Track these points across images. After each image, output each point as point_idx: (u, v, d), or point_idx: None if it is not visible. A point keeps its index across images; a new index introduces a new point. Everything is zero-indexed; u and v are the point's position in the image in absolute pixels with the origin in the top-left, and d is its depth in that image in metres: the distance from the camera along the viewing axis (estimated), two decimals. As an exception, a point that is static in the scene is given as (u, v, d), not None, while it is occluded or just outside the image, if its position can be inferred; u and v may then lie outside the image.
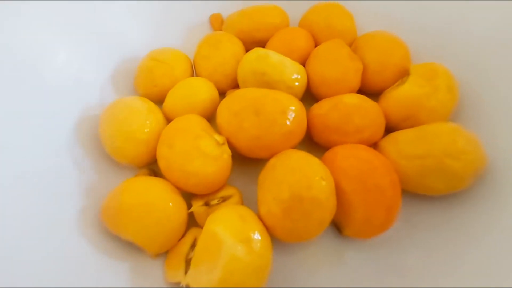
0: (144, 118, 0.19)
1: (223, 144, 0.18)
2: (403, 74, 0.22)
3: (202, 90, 0.22)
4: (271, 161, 0.17)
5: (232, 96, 0.19)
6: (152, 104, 0.21)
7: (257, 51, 0.22)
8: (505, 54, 0.20)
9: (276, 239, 0.16)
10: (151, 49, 0.25)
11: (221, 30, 0.29)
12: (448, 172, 0.17)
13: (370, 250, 0.18)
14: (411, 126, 0.19)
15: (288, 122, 0.17)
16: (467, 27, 0.22)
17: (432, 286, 0.16)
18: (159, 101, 0.22)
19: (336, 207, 0.16)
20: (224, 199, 0.17)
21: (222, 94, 0.24)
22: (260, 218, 0.16)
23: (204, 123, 0.19)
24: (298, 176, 0.15)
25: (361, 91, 0.22)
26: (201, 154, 0.16)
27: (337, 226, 0.18)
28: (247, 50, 0.24)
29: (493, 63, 0.20)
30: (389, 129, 0.20)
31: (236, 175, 0.20)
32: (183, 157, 0.16)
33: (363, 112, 0.19)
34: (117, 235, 0.16)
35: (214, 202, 0.17)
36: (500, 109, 0.19)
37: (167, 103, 0.22)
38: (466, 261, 0.16)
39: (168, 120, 0.21)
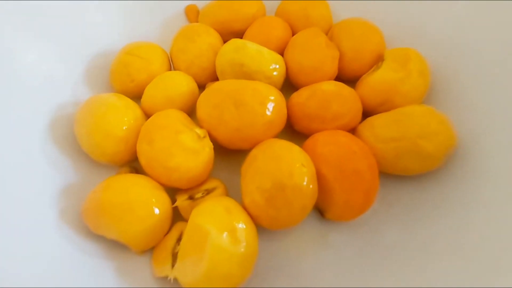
0: (122, 115, 0.19)
1: (204, 137, 0.17)
2: (378, 60, 0.22)
3: (181, 84, 0.22)
4: (253, 152, 0.17)
5: (211, 89, 0.19)
6: (129, 100, 0.20)
7: (234, 42, 0.21)
8: (475, 39, 0.21)
9: (261, 228, 0.16)
10: (126, 43, 0.24)
11: (197, 21, 0.28)
12: (422, 153, 0.17)
13: (352, 231, 0.19)
14: (387, 110, 0.20)
15: (268, 113, 0.18)
16: (439, 13, 0.23)
17: (411, 261, 0.17)
18: (136, 96, 0.22)
19: (318, 192, 0.17)
20: (208, 192, 0.17)
21: (202, 87, 0.23)
22: (245, 208, 0.16)
23: (184, 117, 0.18)
24: (279, 165, 0.15)
25: (338, 78, 0.23)
26: (182, 149, 0.16)
27: (319, 210, 0.19)
28: (224, 42, 0.24)
29: (463, 48, 0.21)
30: (366, 114, 0.21)
31: (220, 167, 0.20)
32: (164, 153, 0.16)
33: (341, 99, 0.19)
34: (101, 235, 0.16)
35: (199, 195, 0.17)
36: (469, 90, 0.20)
37: (145, 98, 0.21)
38: (442, 236, 0.17)
39: (147, 116, 0.20)
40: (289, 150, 0.16)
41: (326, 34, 0.24)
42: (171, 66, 0.25)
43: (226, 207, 0.15)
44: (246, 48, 0.21)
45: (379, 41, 0.23)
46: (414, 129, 0.18)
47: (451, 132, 0.18)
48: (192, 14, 0.29)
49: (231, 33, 0.26)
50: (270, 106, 0.18)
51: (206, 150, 0.17)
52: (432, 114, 0.18)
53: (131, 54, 0.23)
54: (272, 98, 0.18)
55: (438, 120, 0.18)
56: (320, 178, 0.16)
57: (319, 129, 0.19)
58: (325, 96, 0.19)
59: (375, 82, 0.20)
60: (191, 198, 0.17)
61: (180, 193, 0.18)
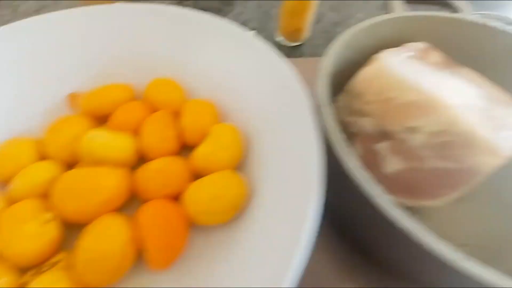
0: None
1: (50, 220, 0.22)
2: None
3: (48, 172, 0.27)
4: (87, 227, 0.22)
5: (63, 176, 0.24)
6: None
7: (88, 133, 0.27)
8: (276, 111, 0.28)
9: None
10: (4, 139, 0.29)
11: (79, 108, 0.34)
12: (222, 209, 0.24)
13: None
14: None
15: (101, 196, 0.23)
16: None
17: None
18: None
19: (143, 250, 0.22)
20: (53, 265, 0.22)
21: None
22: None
23: (36, 205, 0.23)
24: (99, 236, 0.21)
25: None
26: (23, 236, 0.21)
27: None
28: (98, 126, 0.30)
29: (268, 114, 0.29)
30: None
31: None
32: (6, 241, 0.21)
33: (167, 172, 0.26)
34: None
35: (45, 268, 0.22)
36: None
37: (13, 188, 0.26)
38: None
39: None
40: (109, 224, 0.22)
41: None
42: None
43: (58, 278, 0.20)
44: (96, 137, 0.27)
45: (212, 117, 0.30)
46: (221, 189, 0.24)
47: (244, 191, 0.25)
48: (75, 102, 0.35)
49: (102, 118, 0.32)
50: (104, 188, 0.24)
51: (52, 231, 0.22)
52: (232, 177, 0.25)
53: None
54: (105, 181, 0.24)
55: (236, 181, 0.25)
56: (140, 240, 0.22)
57: (151, 198, 0.25)
58: (153, 171, 0.26)
59: (197, 154, 0.27)
60: (38, 272, 0.22)
61: (31, 269, 0.22)
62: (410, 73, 0.24)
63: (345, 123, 0.28)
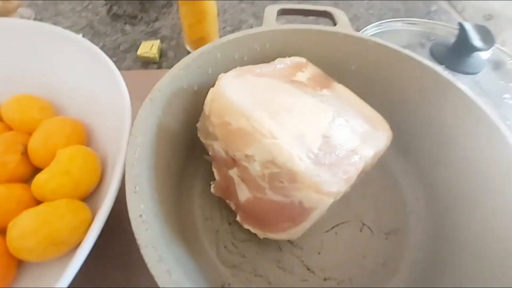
0: None
1: None
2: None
3: None
4: None
5: None
6: None
7: None
8: None
9: None
10: None
11: None
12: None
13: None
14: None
15: None
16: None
17: None
18: None
19: None
20: None
21: None
22: None
23: None
24: None
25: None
26: None
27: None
28: None
29: None
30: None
31: None
32: None
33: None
34: None
35: None
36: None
37: None
38: None
39: None
40: None
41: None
42: None
43: None
44: None
45: (63, 140, 0.27)
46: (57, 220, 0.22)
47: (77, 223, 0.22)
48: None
49: None
50: None
51: None
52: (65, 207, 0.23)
53: None
54: None
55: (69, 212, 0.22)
56: None
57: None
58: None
59: (35, 181, 0.24)
60: None
61: None
62: (247, 98, 0.22)
63: (205, 146, 0.26)
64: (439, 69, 0.27)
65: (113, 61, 0.28)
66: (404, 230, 0.27)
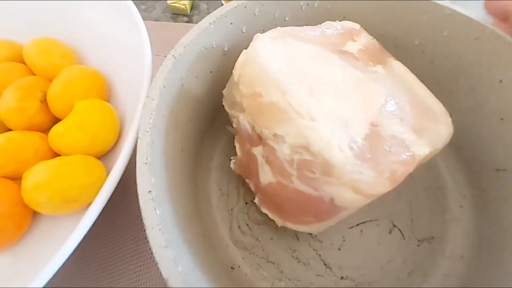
0: None
1: None
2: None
3: None
4: None
5: None
6: None
7: None
8: None
9: None
10: None
11: None
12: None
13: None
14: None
15: None
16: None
17: None
18: None
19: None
20: None
21: None
22: None
23: None
24: None
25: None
26: None
27: None
28: None
29: None
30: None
31: None
32: None
33: (8, 150, 0.22)
34: None
35: None
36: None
37: None
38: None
39: None
40: None
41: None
42: None
43: None
44: None
45: (81, 91, 0.26)
46: (70, 177, 0.21)
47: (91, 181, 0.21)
48: None
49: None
50: None
51: None
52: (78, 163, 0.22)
53: None
54: None
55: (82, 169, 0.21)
56: None
57: None
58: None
59: (50, 133, 0.23)
60: None
61: None
62: (286, 66, 0.18)
63: (230, 116, 0.24)
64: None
65: (141, 10, 0.25)
66: (440, 239, 0.24)
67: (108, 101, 0.28)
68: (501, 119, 0.23)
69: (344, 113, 0.17)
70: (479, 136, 0.24)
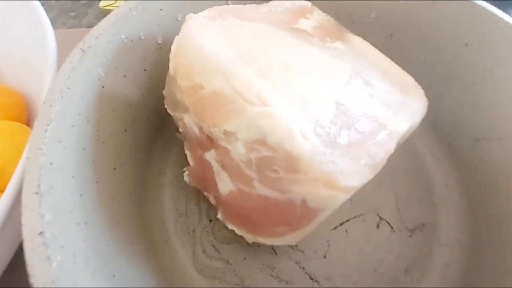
0: None
1: None
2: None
3: None
4: None
5: None
6: None
7: None
8: None
9: None
10: None
11: None
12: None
13: None
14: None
15: None
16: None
17: None
18: None
19: None
20: None
21: None
22: None
23: None
24: None
25: None
26: None
27: None
28: None
29: None
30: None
31: None
32: None
33: None
34: None
35: None
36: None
37: None
38: None
39: None
40: None
41: None
42: None
43: None
44: None
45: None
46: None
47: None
48: None
49: None
50: None
51: None
52: None
53: None
54: None
55: None
56: None
57: None
58: None
59: None
60: None
61: None
62: (227, 48, 0.14)
63: (175, 119, 0.20)
64: (502, 13, 0.20)
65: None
66: (432, 226, 0.22)
67: (27, 123, 0.23)
68: (473, 84, 0.21)
69: (303, 94, 0.14)
70: (453, 106, 0.23)
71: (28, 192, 0.10)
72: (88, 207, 0.13)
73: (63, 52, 0.19)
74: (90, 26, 0.35)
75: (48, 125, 0.12)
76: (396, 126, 0.15)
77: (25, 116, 0.23)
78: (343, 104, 0.15)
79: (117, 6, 0.35)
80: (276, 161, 0.13)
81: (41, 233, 0.09)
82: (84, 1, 0.38)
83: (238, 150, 0.14)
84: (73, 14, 0.35)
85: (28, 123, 0.24)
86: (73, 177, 0.12)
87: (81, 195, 0.13)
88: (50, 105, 0.12)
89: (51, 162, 0.11)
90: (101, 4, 0.35)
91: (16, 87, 0.24)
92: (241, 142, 0.14)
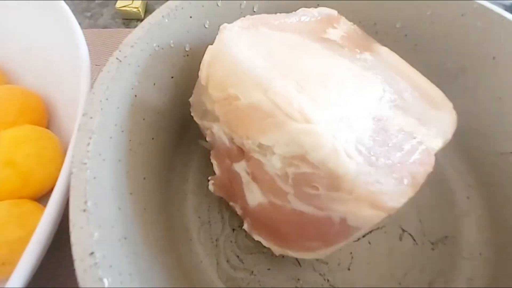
0: None
1: None
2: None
3: None
4: None
5: None
6: None
7: None
8: None
9: None
10: None
11: None
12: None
13: None
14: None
15: None
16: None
17: None
18: None
19: None
20: None
21: None
22: None
23: None
24: None
25: None
26: None
27: None
28: None
29: None
30: None
31: None
32: None
33: None
34: None
35: None
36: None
37: None
38: None
39: None
40: None
41: None
42: None
43: None
44: None
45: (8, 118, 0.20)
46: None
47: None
48: None
49: None
50: None
51: None
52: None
53: None
54: None
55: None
56: None
57: None
58: None
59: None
60: None
61: None
62: (263, 59, 0.14)
63: (201, 129, 0.20)
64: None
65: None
66: (454, 239, 0.22)
67: (46, 127, 0.23)
68: (499, 98, 0.21)
69: (341, 109, 0.14)
70: (477, 119, 0.23)
71: (75, 209, 0.10)
72: (126, 220, 0.13)
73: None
74: (106, 26, 0.35)
75: (90, 138, 0.12)
76: (431, 143, 0.15)
77: (46, 119, 0.22)
78: (380, 120, 0.14)
79: (134, 7, 0.34)
80: (316, 178, 0.13)
81: (92, 253, 0.09)
82: (99, 1, 0.37)
83: (273, 164, 0.14)
84: (88, 14, 0.35)
85: (47, 126, 0.24)
86: (112, 190, 0.12)
87: (119, 209, 0.12)
88: (91, 117, 0.12)
89: (95, 176, 0.11)
90: (118, 4, 0.35)
91: (33, 88, 0.24)
92: (277, 156, 0.14)
